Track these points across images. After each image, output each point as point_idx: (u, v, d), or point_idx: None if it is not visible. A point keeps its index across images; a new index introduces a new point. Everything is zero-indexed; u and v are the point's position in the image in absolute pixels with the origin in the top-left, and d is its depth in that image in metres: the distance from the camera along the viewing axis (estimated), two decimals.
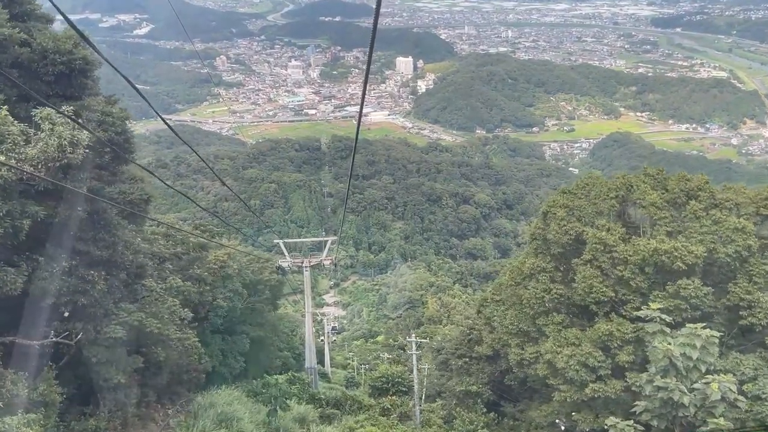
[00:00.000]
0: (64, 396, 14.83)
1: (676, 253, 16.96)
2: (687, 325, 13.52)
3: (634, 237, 18.86)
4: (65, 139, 10.66)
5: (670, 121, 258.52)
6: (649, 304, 12.93)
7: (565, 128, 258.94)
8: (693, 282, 16.96)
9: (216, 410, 20.74)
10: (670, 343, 13.19)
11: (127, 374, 17.40)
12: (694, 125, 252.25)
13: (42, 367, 14.59)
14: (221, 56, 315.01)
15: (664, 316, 13.30)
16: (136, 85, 8.55)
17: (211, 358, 27.28)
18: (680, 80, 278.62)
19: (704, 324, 13.43)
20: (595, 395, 17.48)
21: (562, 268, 20.61)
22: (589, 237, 19.04)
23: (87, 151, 11.34)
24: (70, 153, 10.68)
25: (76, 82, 14.62)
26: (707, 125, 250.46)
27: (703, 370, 12.98)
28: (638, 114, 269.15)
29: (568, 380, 18.12)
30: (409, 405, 34.65)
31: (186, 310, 20.83)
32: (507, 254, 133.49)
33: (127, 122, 16.38)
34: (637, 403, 14.01)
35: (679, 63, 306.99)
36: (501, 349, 24.85)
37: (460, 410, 27.60)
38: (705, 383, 12.62)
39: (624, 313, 18.11)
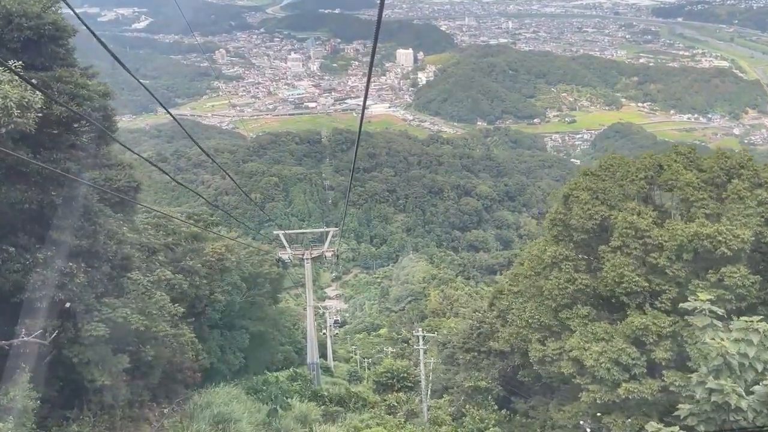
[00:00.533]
0: (39, 401, 13.38)
1: (720, 238, 15.28)
2: (734, 318, 11.95)
3: (668, 221, 17.16)
4: (11, 99, 9.00)
5: (672, 112, 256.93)
6: (698, 294, 11.29)
7: (566, 119, 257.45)
8: (739, 269, 15.34)
9: (212, 410, 19.59)
10: (723, 339, 11.55)
11: (113, 375, 16.15)
12: (695, 115, 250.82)
13: (15, 370, 13.15)
14: (220, 49, 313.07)
15: (715, 309, 11.67)
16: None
17: (209, 355, 26.59)
18: (682, 70, 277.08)
19: (760, 317, 11.83)
20: (629, 396, 15.91)
21: (585, 257, 18.92)
22: (618, 221, 17.34)
23: (40, 115, 9.67)
24: (18, 117, 9.04)
25: (45, 50, 13.08)
26: (709, 115, 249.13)
27: (760, 370, 11.41)
28: (640, 104, 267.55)
29: (598, 379, 16.52)
30: (416, 401, 33.42)
31: (177, 305, 19.51)
32: (509, 246, 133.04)
33: (107, 98, 14.84)
34: (680, 406, 12.43)
35: (681, 53, 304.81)
36: (516, 344, 23.31)
37: (470, 407, 26.33)
38: (766, 384, 10.99)
39: (659, 305, 16.46)
